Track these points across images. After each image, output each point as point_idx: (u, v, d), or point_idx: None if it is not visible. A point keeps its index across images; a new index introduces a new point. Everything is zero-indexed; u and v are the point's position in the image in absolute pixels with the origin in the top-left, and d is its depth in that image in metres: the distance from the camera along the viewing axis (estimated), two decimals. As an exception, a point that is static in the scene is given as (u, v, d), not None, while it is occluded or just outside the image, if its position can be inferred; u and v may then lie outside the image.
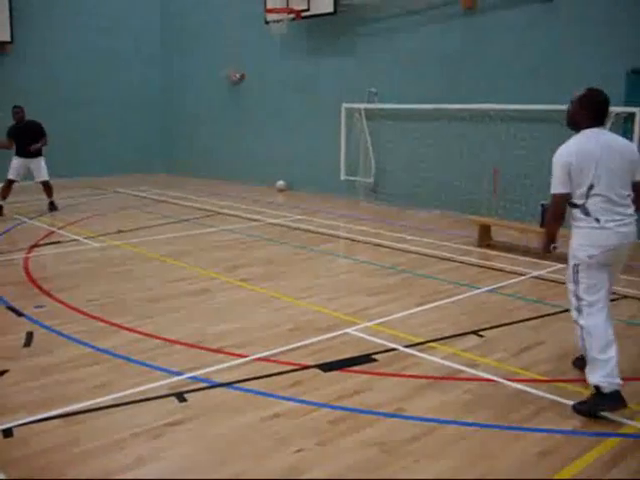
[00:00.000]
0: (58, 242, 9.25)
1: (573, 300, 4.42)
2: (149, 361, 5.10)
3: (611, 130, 8.59)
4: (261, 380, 4.77)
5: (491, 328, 5.88)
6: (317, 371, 4.93)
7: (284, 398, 4.49)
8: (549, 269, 7.74)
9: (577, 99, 4.50)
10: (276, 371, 4.93)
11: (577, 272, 4.35)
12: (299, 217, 11.20)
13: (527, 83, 10.06)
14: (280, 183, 14.08)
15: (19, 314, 6.19)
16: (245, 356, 5.20)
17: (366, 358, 5.19)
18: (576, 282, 4.36)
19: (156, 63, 17.30)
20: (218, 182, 15.45)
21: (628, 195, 4.35)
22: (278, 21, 12.55)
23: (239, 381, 4.75)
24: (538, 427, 4.11)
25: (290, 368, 4.99)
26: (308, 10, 12.38)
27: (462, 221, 10.28)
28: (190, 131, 16.79)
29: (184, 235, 9.82)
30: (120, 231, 9.96)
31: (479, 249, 8.89)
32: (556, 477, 3.54)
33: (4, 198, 11.11)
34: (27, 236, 9.64)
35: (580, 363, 4.75)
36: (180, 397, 4.48)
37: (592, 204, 4.26)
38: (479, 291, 7.00)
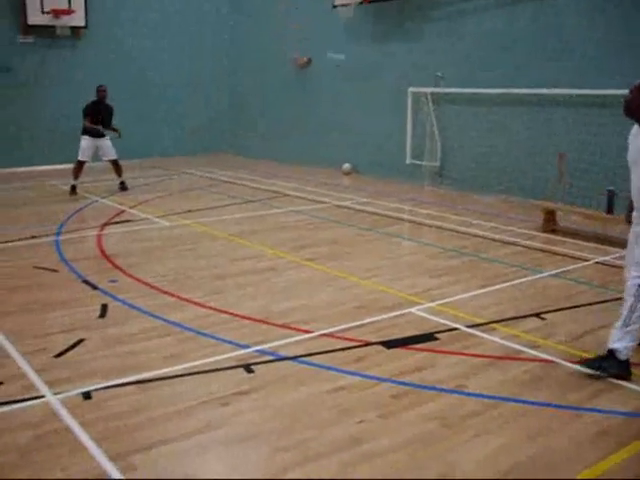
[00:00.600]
0: (129, 221, 9.57)
1: None
2: (217, 334, 5.30)
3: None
4: (326, 355, 4.91)
5: (553, 311, 5.89)
6: (380, 348, 5.05)
7: (348, 372, 4.62)
8: (613, 255, 7.63)
9: (638, 88, 4.44)
10: (340, 347, 5.06)
11: None
12: (365, 200, 11.28)
13: (595, 68, 9.84)
14: (346, 166, 14.17)
15: (94, 287, 6.49)
16: (310, 332, 5.35)
17: (428, 336, 5.27)
18: None
19: (224, 46, 17.54)
20: (284, 164, 15.62)
21: None
22: (346, 5, 12.57)
23: (304, 355, 4.90)
24: (596, 407, 4.13)
25: (354, 344, 5.11)
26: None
27: (527, 206, 10.19)
28: (257, 114, 17.01)
29: (251, 216, 10.03)
30: (189, 211, 10.23)
31: (543, 234, 8.83)
32: (612, 457, 3.56)
33: (76, 178, 11.53)
34: (99, 214, 10.02)
35: None
36: (247, 368, 4.66)
37: None
38: (542, 275, 6.98)
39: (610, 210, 8.17)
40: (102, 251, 7.88)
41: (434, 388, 4.40)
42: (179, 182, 13.41)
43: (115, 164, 11.88)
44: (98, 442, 3.69)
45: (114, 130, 11.60)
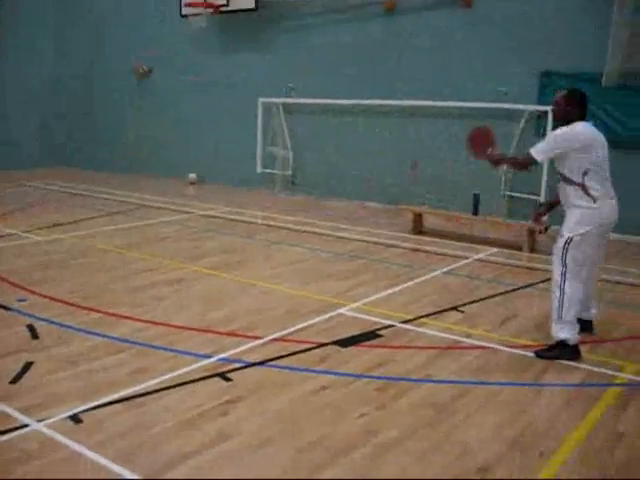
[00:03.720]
0: (-5, 236, 8.93)
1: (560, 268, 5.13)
2: (170, 346, 5.26)
3: (524, 127, 9.61)
4: (290, 358, 5.10)
5: (467, 304, 6.51)
6: (336, 347, 5.32)
7: (320, 372, 4.85)
8: (486, 252, 8.52)
9: (565, 97, 5.19)
10: (298, 349, 5.26)
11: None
12: (228, 209, 11.41)
13: (444, 81, 10.82)
14: (192, 176, 14.15)
15: (6, 308, 6.09)
16: (259, 337, 5.48)
17: (373, 334, 5.64)
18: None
19: (54, 51, 16.63)
20: (126, 175, 15.20)
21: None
22: (197, 15, 12.59)
23: (270, 359, 5.04)
24: (551, 382, 4.75)
25: (309, 346, 5.34)
26: (227, 5, 12.51)
27: (384, 210, 10.96)
28: (94, 124, 16.32)
29: (126, 227, 9.78)
30: (56, 224, 9.74)
31: (414, 236, 9.55)
32: (589, 417, 4.17)
33: None
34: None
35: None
36: (224, 377, 4.72)
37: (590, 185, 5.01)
38: (436, 273, 7.64)
39: (476, 212, 9.06)
40: (-14, 270, 7.33)
41: (407, 379, 4.77)
42: (24, 195, 12.59)
43: None
44: (121, 463, 3.60)
45: None
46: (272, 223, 10.33)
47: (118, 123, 15.80)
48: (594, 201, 5.05)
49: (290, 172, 12.68)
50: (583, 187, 5.05)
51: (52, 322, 5.73)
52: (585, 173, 5.05)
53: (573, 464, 3.70)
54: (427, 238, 9.42)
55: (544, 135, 9.36)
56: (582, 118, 5.16)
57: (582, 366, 5.05)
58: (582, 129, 5.10)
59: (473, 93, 10.35)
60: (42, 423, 4.00)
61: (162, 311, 6.11)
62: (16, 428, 3.94)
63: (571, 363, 5.08)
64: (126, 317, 5.92)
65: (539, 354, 5.21)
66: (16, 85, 15.93)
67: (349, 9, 11.77)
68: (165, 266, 7.67)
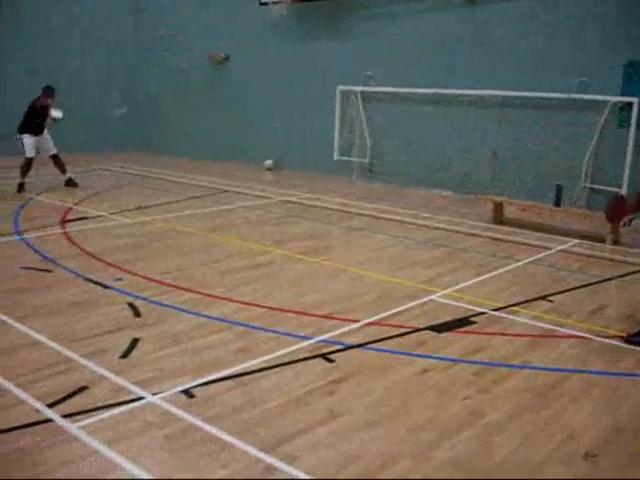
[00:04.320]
0: (85, 218, 9.27)
1: None
2: (269, 327, 5.41)
3: (607, 119, 9.43)
4: (388, 341, 5.19)
5: (555, 294, 6.49)
6: (432, 333, 5.39)
7: (419, 356, 4.92)
8: (570, 244, 8.45)
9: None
10: (394, 333, 5.34)
11: None
12: (308, 195, 11.55)
13: (526, 72, 10.69)
14: (268, 162, 14.35)
15: (104, 286, 6.33)
16: (356, 321, 5.58)
17: (466, 321, 5.68)
18: None
19: (130, 41, 17.06)
20: (203, 161, 15.51)
21: None
22: (277, 2, 12.74)
23: (369, 342, 5.14)
24: (651, 373, 4.73)
25: (405, 331, 5.42)
26: (308, -8, 12.63)
27: (464, 200, 10.93)
28: (171, 111, 16.68)
29: (208, 212, 10.02)
30: (140, 207, 10.04)
31: (495, 226, 9.51)
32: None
33: (25, 176, 10.99)
34: (46, 212, 9.62)
35: None
36: (326, 358, 4.84)
37: None
38: (521, 263, 7.62)
39: (558, 203, 8.97)
40: (82, 249, 7.64)
41: (505, 365, 4.81)
42: (104, 179, 13.00)
43: (56, 159, 11.36)
44: (240, 436, 3.74)
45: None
46: (353, 210, 10.41)
47: (194, 109, 16.07)
48: None
49: (367, 160, 12.71)
50: None
51: (151, 301, 5.94)
52: None
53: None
54: (507, 228, 9.38)
55: (628, 127, 9.22)
56: None
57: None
58: None
59: (555, 84, 10.20)
60: (157, 396, 4.18)
61: (256, 293, 6.26)
62: (133, 400, 4.13)
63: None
64: (222, 298, 6.09)
65: (627, 339, 5.24)
66: (94, 69, 16.30)
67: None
68: (253, 250, 7.84)
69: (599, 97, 9.83)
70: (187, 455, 3.55)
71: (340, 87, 12.87)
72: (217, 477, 3.36)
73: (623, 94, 9.70)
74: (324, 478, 3.36)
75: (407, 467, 3.50)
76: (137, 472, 3.36)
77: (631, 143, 9.45)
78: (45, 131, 11.27)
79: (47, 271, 6.77)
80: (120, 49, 17.08)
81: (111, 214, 9.56)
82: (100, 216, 9.43)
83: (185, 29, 15.93)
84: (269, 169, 14.35)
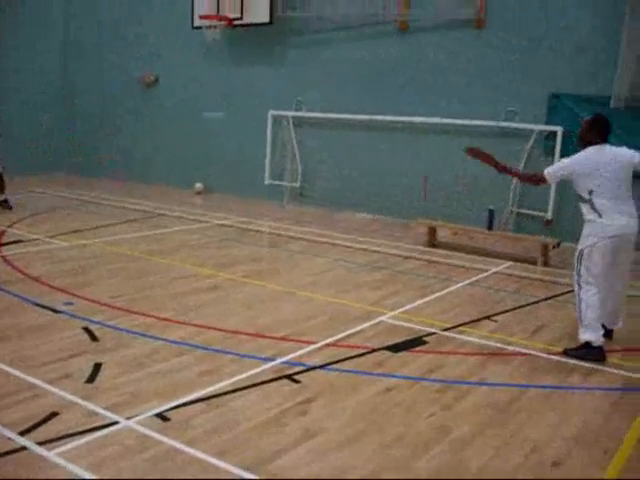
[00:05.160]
0: (20, 241, 9.05)
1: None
2: (229, 349, 5.48)
3: (534, 145, 10.02)
4: (348, 362, 5.35)
5: (497, 314, 6.83)
6: (388, 352, 5.59)
7: (381, 375, 5.11)
8: (503, 266, 8.88)
9: (588, 122, 5.73)
10: (352, 354, 5.52)
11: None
12: (243, 219, 11.63)
13: (457, 100, 11.18)
14: (198, 185, 14.34)
15: (55, 311, 6.24)
16: (313, 342, 5.73)
17: (418, 341, 5.92)
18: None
19: (58, 60, 16.74)
20: (132, 183, 15.33)
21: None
22: (211, 27, 12.85)
23: (329, 363, 5.30)
24: (597, 386, 5.08)
25: (362, 351, 5.60)
26: (241, 19, 12.78)
27: (396, 224, 11.32)
28: (97, 131, 16.43)
29: (147, 235, 9.95)
30: (77, 231, 9.88)
31: (430, 249, 9.87)
32: (636, 423, 4.49)
33: None
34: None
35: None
36: (291, 379, 4.96)
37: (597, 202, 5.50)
38: (461, 284, 7.96)
39: (490, 227, 9.42)
40: (24, 272, 7.48)
41: (464, 382, 5.06)
42: (36, 201, 12.63)
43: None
44: (222, 457, 3.79)
45: None
46: (289, 234, 10.55)
47: (121, 131, 15.90)
48: (599, 216, 5.51)
49: (299, 184, 12.92)
50: (591, 203, 5.53)
51: (106, 325, 5.92)
52: (590, 192, 5.53)
53: (637, 462, 4.00)
54: (441, 251, 9.75)
55: (552, 154, 9.81)
56: (599, 142, 5.60)
57: (621, 372, 5.38)
58: (590, 155, 5.63)
59: (484, 112, 10.72)
60: (131, 420, 4.20)
61: (210, 317, 6.32)
62: (107, 425, 4.13)
63: (613, 370, 5.41)
64: (177, 322, 6.12)
65: (567, 352, 5.65)
66: (19, 91, 15.91)
67: (362, 27, 12.11)
68: (199, 273, 7.87)
69: (525, 126, 10.38)
70: (173, 477, 3.58)
71: (272, 112, 13.03)
72: None
73: (548, 123, 10.27)
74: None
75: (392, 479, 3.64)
76: (126, 496, 3.35)
77: (555, 170, 9.99)
78: None
79: (-10, 296, 6.59)
80: (49, 71, 16.66)
81: (48, 237, 9.37)
82: (36, 239, 9.24)
83: (115, 49, 15.74)
84: (199, 193, 14.35)
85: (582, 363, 5.52)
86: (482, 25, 10.86)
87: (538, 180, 5.95)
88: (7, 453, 3.75)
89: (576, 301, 5.69)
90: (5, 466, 3.61)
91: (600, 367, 5.46)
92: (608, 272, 5.59)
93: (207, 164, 14.27)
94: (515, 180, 10.40)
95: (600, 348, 5.55)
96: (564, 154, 9.35)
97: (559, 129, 10.15)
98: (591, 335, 5.54)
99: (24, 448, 3.81)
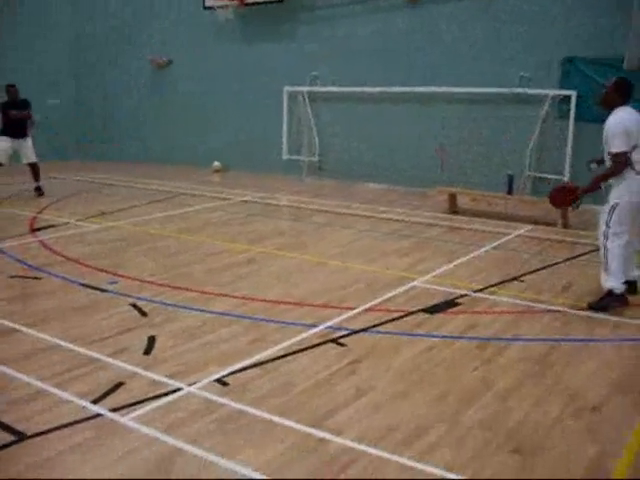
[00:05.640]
0: (53, 226, 9.31)
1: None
2: (274, 318, 5.75)
3: (549, 110, 10.18)
4: (388, 324, 5.62)
5: (523, 275, 7.07)
6: (424, 315, 5.85)
7: (421, 335, 5.37)
8: (524, 229, 9.11)
9: (614, 84, 5.87)
10: (392, 317, 5.78)
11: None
12: (262, 194, 11.86)
13: (469, 69, 11.33)
14: (216, 164, 14.55)
15: (101, 290, 6.50)
16: (352, 308, 5.99)
17: (452, 302, 6.18)
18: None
19: (70, 44, 16.87)
20: (150, 165, 15.56)
21: None
22: (223, 7, 12.97)
23: (371, 326, 5.56)
24: (628, 336, 5.34)
25: (400, 314, 5.85)
26: (254, -4, 12.94)
27: (414, 193, 11.55)
28: (110, 114, 16.63)
29: (172, 214, 10.20)
30: (103, 213, 10.14)
31: (452, 215, 10.10)
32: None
33: None
34: (10, 221, 9.60)
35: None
36: (337, 343, 5.22)
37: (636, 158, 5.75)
38: (486, 248, 8.20)
39: (510, 192, 9.63)
40: (63, 255, 7.74)
41: (500, 339, 5.31)
42: (60, 187, 12.88)
43: (34, 167, 11.29)
44: (284, 416, 4.05)
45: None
46: (311, 207, 10.79)
47: (137, 113, 16.09)
48: (637, 173, 5.78)
49: (316, 158, 13.12)
50: (630, 161, 5.76)
51: (152, 301, 6.17)
52: (635, 147, 5.77)
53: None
54: (463, 217, 9.96)
55: (567, 118, 9.96)
56: (624, 104, 5.88)
57: (652, 324, 5.63)
58: (628, 115, 5.84)
59: (497, 79, 10.87)
60: (193, 387, 4.46)
61: (250, 288, 6.57)
62: (172, 392, 4.40)
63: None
64: (219, 294, 6.37)
65: (591, 305, 5.94)
66: (32, 74, 16.06)
67: (372, 0, 12.20)
68: (230, 249, 8.13)
69: (539, 91, 10.53)
70: (243, 435, 3.85)
71: (287, 88, 13.19)
72: (278, 451, 3.68)
73: (562, 87, 10.41)
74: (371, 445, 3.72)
75: (442, 431, 3.91)
76: (201, 453, 3.63)
77: (570, 133, 10.19)
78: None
79: (37, 279, 6.87)
80: (62, 55, 16.80)
81: (77, 221, 9.62)
82: (67, 223, 9.49)
83: (127, 33, 15.87)
84: (217, 171, 14.56)
85: (610, 317, 5.77)
86: (492, -6, 10.94)
87: (618, 167, 5.85)
88: (85, 419, 4.02)
89: (601, 251, 5.98)
90: (84, 432, 3.88)
91: (628, 320, 5.69)
92: (633, 224, 5.91)
93: (223, 142, 14.47)
94: (531, 145, 10.58)
95: (622, 295, 5.88)
96: (578, 117, 9.59)
97: (573, 93, 10.27)
98: (614, 282, 5.88)
99: (99, 415, 4.07)
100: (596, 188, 6.08)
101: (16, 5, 15.71)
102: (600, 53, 9.94)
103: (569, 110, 10.25)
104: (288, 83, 13.26)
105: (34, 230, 9.01)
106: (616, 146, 5.75)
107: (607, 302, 5.89)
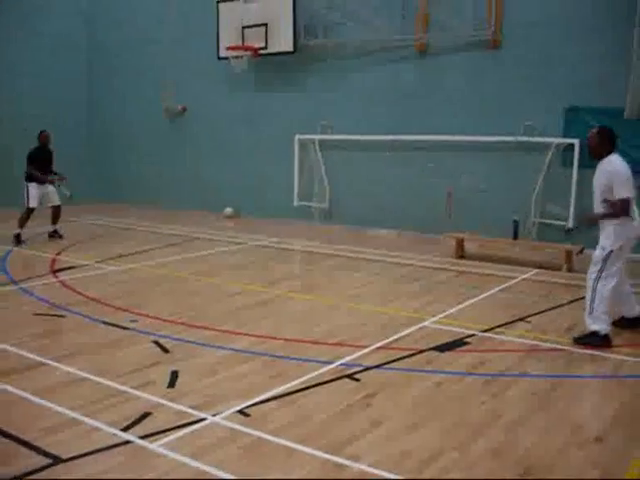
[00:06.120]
0: (73, 267, 9.64)
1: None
2: (292, 355, 6.02)
3: (551, 159, 10.56)
4: (400, 362, 5.87)
5: (529, 316, 7.34)
6: (435, 352, 6.11)
7: (431, 372, 5.63)
8: (530, 273, 9.40)
9: (597, 134, 6.32)
10: (403, 355, 6.04)
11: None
12: (276, 239, 12.21)
13: (476, 118, 11.75)
14: (228, 210, 14.94)
15: (123, 328, 6.79)
16: (366, 346, 6.26)
17: (461, 342, 6.44)
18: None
19: (83, 90, 17.49)
20: (159, 210, 15.98)
21: None
22: (238, 57, 13.53)
23: (384, 363, 5.82)
24: (630, 374, 5.59)
25: (412, 352, 6.12)
26: (266, 48, 13.48)
27: (423, 239, 11.90)
28: (122, 159, 17.15)
29: (187, 257, 10.54)
30: (121, 255, 10.48)
31: (459, 260, 10.40)
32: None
33: (22, 227, 11.27)
34: (32, 263, 9.99)
35: (619, 323, 6.64)
36: (352, 378, 5.48)
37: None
38: (493, 291, 8.48)
39: (516, 237, 9.96)
40: (84, 295, 8.05)
41: (507, 375, 5.57)
42: (75, 230, 13.24)
43: (56, 210, 11.73)
44: (304, 444, 4.29)
45: (58, 176, 11.60)
46: (323, 252, 11.12)
47: (150, 160, 16.59)
48: (632, 219, 6.17)
49: (327, 204, 13.50)
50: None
51: (173, 338, 6.45)
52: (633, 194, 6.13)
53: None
54: (470, 262, 10.26)
55: (570, 165, 10.32)
56: (612, 152, 6.27)
57: (651, 362, 5.89)
58: (621, 162, 6.23)
59: (502, 128, 11.29)
60: (217, 417, 4.72)
61: (267, 328, 6.85)
62: (197, 421, 4.66)
63: (637, 359, 5.92)
64: (238, 333, 6.66)
65: (576, 340, 6.29)
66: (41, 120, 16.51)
67: (381, 51, 12.75)
68: (250, 290, 8.43)
69: (543, 139, 10.94)
70: (266, 461, 4.11)
71: (298, 136, 13.66)
72: (300, 475, 3.93)
73: (565, 136, 10.82)
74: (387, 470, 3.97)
75: (455, 457, 4.16)
76: (228, 477, 3.87)
77: (574, 180, 10.56)
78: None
79: (60, 316, 7.18)
80: (77, 104, 17.41)
81: (96, 262, 9.96)
82: (87, 265, 9.82)
83: (141, 80, 16.49)
84: (229, 217, 14.94)
85: (611, 355, 6.02)
86: (497, 44, 11.44)
87: (623, 212, 6.17)
88: (115, 445, 4.28)
89: (588, 294, 6.28)
90: (116, 456, 4.14)
91: (631, 359, 5.94)
92: (622, 267, 6.29)
93: (235, 189, 14.88)
94: (536, 192, 10.94)
95: (606, 335, 6.18)
96: (582, 165, 9.94)
97: (576, 141, 10.65)
98: (599, 326, 6.19)
99: (128, 442, 4.33)
100: (595, 221, 6.45)
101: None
102: (602, 103, 10.34)
103: (572, 158, 10.60)
104: (299, 131, 13.70)
105: (55, 271, 9.32)
106: (626, 192, 6.12)
107: (591, 341, 6.21)
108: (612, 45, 10.34)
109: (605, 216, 6.27)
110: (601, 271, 6.20)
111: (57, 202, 11.72)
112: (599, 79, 10.41)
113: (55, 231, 11.88)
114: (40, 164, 11.43)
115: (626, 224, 6.13)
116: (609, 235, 6.22)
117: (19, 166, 11.64)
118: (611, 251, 6.21)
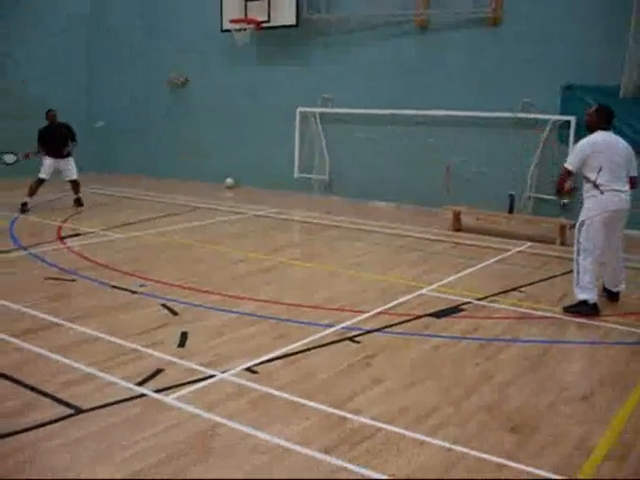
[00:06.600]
0: (79, 234, 9.88)
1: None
2: (295, 319, 6.30)
3: (548, 136, 10.79)
4: (399, 326, 6.16)
5: (523, 286, 7.62)
6: (432, 318, 6.40)
7: (428, 336, 5.92)
8: (525, 246, 9.68)
9: (595, 111, 6.63)
10: (401, 320, 6.33)
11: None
12: (276, 210, 12.45)
13: (475, 94, 11.93)
14: (229, 180, 15.15)
15: (132, 292, 7.06)
16: (366, 312, 6.54)
17: (457, 309, 6.72)
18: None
19: (83, 63, 17.61)
20: (159, 180, 16.17)
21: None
22: (240, 30, 13.66)
23: (383, 327, 6.11)
24: (616, 341, 5.89)
25: (410, 317, 6.40)
26: (269, 21, 13.61)
27: (419, 212, 12.15)
28: (125, 130, 17.29)
29: (192, 226, 10.77)
30: (127, 224, 10.72)
31: (456, 232, 10.67)
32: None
33: (32, 195, 11.54)
34: (39, 230, 10.19)
35: (606, 294, 6.91)
36: (352, 340, 5.77)
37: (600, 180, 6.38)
38: (488, 262, 8.75)
39: (511, 211, 10.23)
40: (93, 260, 8.29)
41: (500, 339, 5.86)
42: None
43: (75, 184, 12.12)
44: (309, 399, 4.58)
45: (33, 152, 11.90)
46: (323, 222, 11.37)
47: (153, 130, 16.74)
48: (602, 193, 6.40)
49: (327, 177, 13.73)
50: (595, 181, 6.40)
51: (181, 302, 6.71)
52: (600, 170, 6.38)
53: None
54: (468, 234, 10.54)
55: (567, 142, 10.57)
56: (604, 129, 6.50)
57: (637, 330, 6.19)
58: (600, 137, 6.51)
59: (501, 104, 11.49)
60: (226, 374, 5.01)
61: (271, 293, 7.12)
62: (206, 377, 4.95)
63: (631, 329, 6.21)
64: (244, 298, 6.93)
65: (566, 308, 6.58)
66: (50, 90, 16.69)
67: (384, 26, 12.89)
68: (252, 258, 8.69)
69: (540, 116, 11.15)
70: (273, 413, 4.40)
71: (299, 109, 13.83)
72: (304, 426, 4.22)
73: (562, 113, 11.03)
74: (387, 422, 4.25)
75: (449, 412, 4.46)
76: (238, 426, 4.16)
77: (570, 156, 10.77)
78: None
79: (71, 281, 7.43)
80: (78, 71, 17.52)
81: (102, 230, 10.20)
82: (92, 232, 10.05)
83: (144, 52, 16.60)
84: (229, 187, 15.14)
85: (600, 323, 6.31)
86: (498, 22, 11.59)
87: (564, 176, 6.68)
88: (131, 398, 4.56)
89: (574, 266, 6.61)
90: (132, 408, 4.43)
91: (619, 327, 6.24)
92: (605, 241, 6.51)
93: (236, 160, 15.06)
94: (532, 167, 11.19)
95: (595, 304, 6.47)
96: (577, 141, 10.14)
97: (572, 118, 10.87)
98: (587, 295, 6.49)
99: (144, 395, 4.61)
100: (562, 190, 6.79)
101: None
102: (599, 81, 10.53)
103: (568, 135, 10.82)
104: (301, 104, 13.86)
105: (61, 238, 9.56)
106: (568, 161, 6.52)
107: (580, 309, 6.49)
108: (610, 25, 10.50)
109: (557, 184, 6.72)
110: (578, 242, 6.52)
111: (73, 176, 12.11)
112: (596, 59, 10.58)
113: (78, 199, 12.21)
114: (51, 141, 11.86)
115: (601, 197, 6.38)
116: (584, 207, 6.56)
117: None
118: (582, 222, 6.51)
